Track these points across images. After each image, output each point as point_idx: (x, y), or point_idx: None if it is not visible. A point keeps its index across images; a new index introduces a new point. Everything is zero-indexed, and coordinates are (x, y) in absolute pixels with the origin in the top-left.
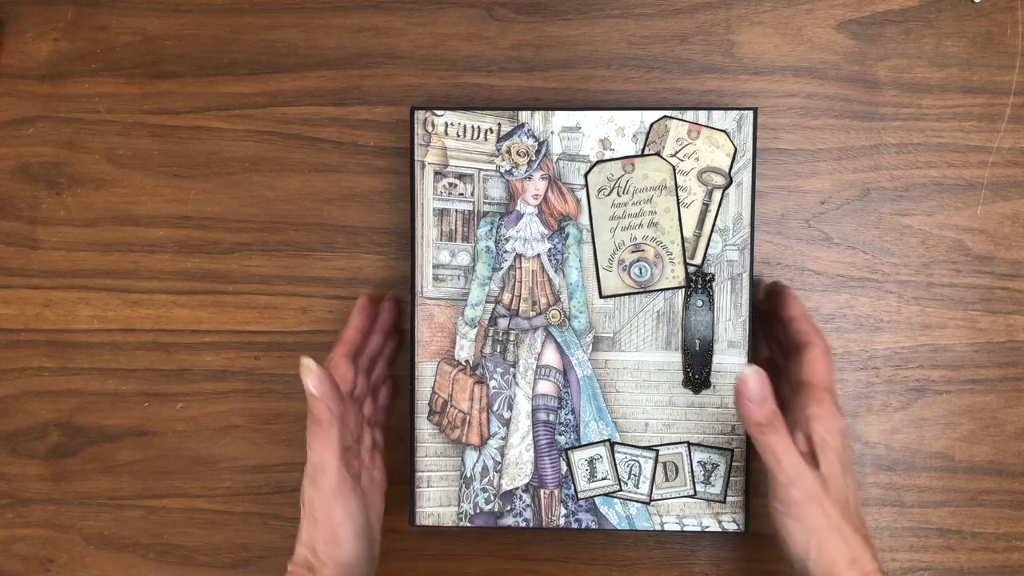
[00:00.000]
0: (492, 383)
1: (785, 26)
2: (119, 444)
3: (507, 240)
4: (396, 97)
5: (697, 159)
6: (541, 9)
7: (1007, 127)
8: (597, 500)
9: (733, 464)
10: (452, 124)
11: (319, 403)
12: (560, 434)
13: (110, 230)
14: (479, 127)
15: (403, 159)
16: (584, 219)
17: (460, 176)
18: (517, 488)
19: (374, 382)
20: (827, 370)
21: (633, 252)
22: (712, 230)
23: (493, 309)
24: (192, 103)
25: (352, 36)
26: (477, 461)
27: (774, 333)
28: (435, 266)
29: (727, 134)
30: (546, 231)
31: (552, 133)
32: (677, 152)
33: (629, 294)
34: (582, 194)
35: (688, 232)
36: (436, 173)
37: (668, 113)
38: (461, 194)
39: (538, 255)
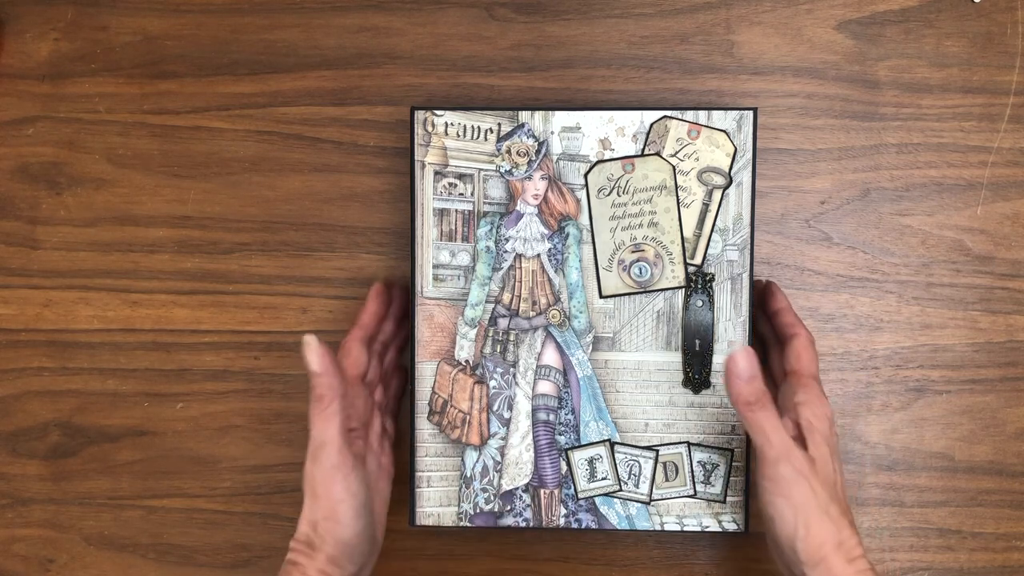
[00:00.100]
0: (492, 383)
1: (785, 26)
2: (119, 444)
3: (507, 240)
4: (396, 97)
5: (697, 159)
6: (541, 9)
7: (1007, 127)
8: (597, 500)
9: (733, 464)
10: (452, 124)
11: (320, 379)
12: (560, 434)
13: (110, 230)
14: (479, 127)
15: (403, 159)
16: (584, 219)
17: (460, 176)
18: (517, 488)
19: (386, 368)
20: (812, 359)
21: (633, 252)
22: (712, 230)
23: (493, 309)
24: (192, 103)
25: (352, 36)
26: (477, 461)
27: (758, 329)
28: (435, 266)
29: (727, 134)
30: (546, 231)
31: (552, 133)
32: (677, 152)
33: (629, 294)
34: (582, 194)
35: (688, 232)
36: (436, 173)
37: (668, 113)
38: (461, 194)
39: (538, 255)
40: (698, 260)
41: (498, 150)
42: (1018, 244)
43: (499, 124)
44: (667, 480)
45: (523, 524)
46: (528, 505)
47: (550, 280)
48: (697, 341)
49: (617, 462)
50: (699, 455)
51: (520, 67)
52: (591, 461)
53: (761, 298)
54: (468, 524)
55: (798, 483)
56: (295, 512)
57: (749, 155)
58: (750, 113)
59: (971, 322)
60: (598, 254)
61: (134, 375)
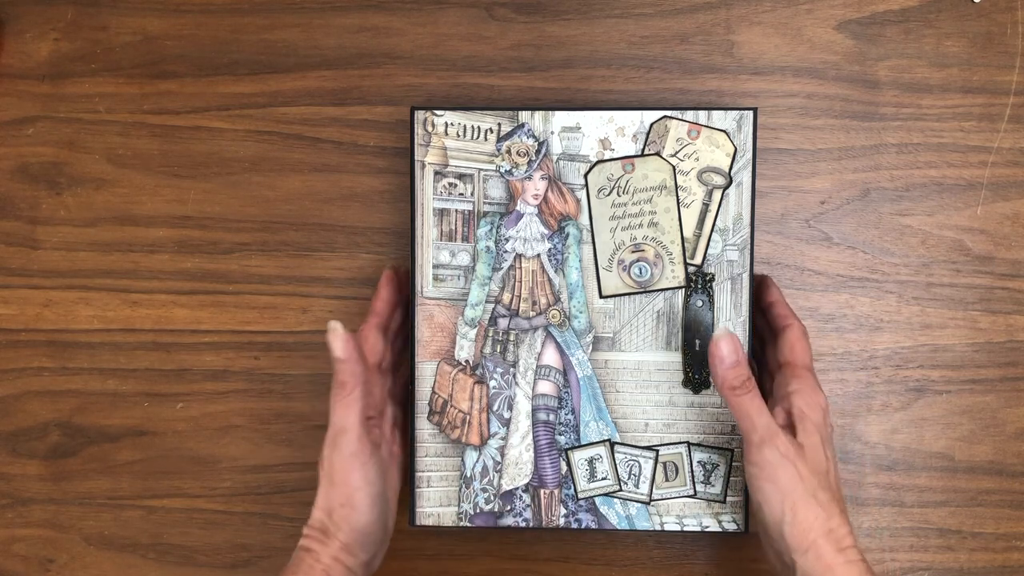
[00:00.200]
0: (492, 383)
1: (785, 26)
2: (119, 444)
3: (507, 240)
4: (396, 97)
5: (697, 159)
6: (541, 9)
7: (1007, 127)
8: (597, 500)
9: (733, 464)
10: (452, 124)
11: (344, 366)
12: (560, 434)
13: (110, 230)
14: (479, 127)
15: (403, 159)
16: (584, 219)
17: (460, 176)
18: (517, 488)
19: (396, 356)
20: (805, 350)
21: (633, 252)
22: (712, 230)
23: (493, 309)
24: (192, 103)
25: (352, 36)
26: (477, 461)
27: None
28: (435, 266)
29: (727, 134)
30: (546, 231)
31: (552, 133)
32: (677, 152)
33: (629, 294)
34: (582, 194)
35: (688, 232)
36: (436, 173)
37: (668, 113)
38: (461, 194)
39: (538, 255)
40: (698, 260)
41: (498, 150)
42: (1018, 244)
43: (499, 124)
44: (667, 480)
45: (523, 524)
46: (528, 505)
47: (550, 280)
48: (697, 341)
49: (617, 462)
50: (699, 455)
51: (520, 67)
52: (591, 461)
53: (755, 291)
54: (468, 524)
55: (784, 467)
56: (295, 512)
57: (749, 155)
58: (750, 113)
59: (971, 322)
60: (598, 254)
61: (134, 375)
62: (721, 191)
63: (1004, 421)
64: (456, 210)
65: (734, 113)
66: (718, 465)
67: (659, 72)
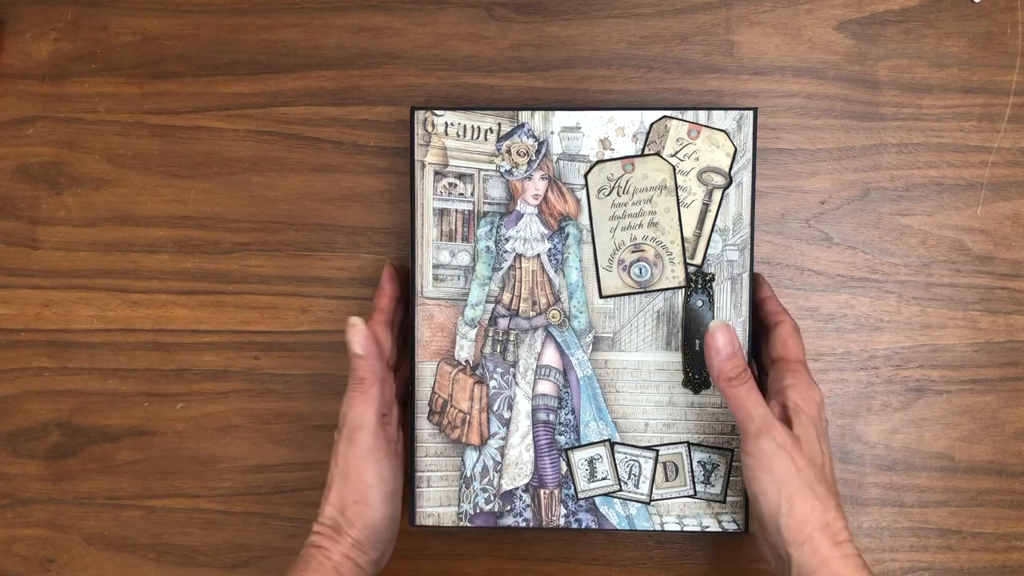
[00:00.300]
0: (492, 383)
1: (785, 26)
2: (119, 444)
3: (507, 240)
4: (396, 97)
5: (697, 159)
6: (541, 9)
7: (1007, 127)
8: (597, 500)
9: (733, 464)
10: (452, 124)
11: (364, 363)
12: (560, 434)
13: (110, 230)
14: (479, 127)
15: (403, 159)
16: (584, 219)
17: (460, 176)
18: (517, 488)
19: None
20: (798, 345)
21: (633, 252)
22: (712, 230)
23: (493, 309)
24: (192, 103)
25: (352, 36)
26: (477, 461)
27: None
28: (435, 266)
29: (727, 134)
30: (546, 231)
31: (552, 133)
32: (677, 152)
33: (629, 294)
34: (582, 194)
35: (688, 232)
36: (436, 173)
37: (668, 113)
38: (461, 194)
39: (538, 255)
40: (698, 260)
41: (498, 150)
42: (1018, 244)
43: (499, 124)
44: (667, 480)
45: (523, 524)
46: (528, 505)
47: (550, 280)
48: (697, 341)
49: (617, 462)
50: (699, 455)
51: (520, 67)
52: (591, 461)
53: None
54: (468, 524)
55: (780, 457)
56: (295, 512)
57: (749, 155)
58: (750, 113)
59: (971, 322)
60: (598, 254)
61: (134, 375)
62: (721, 191)
63: (1004, 421)
64: (456, 210)
65: (734, 113)
66: (718, 465)
67: (659, 72)
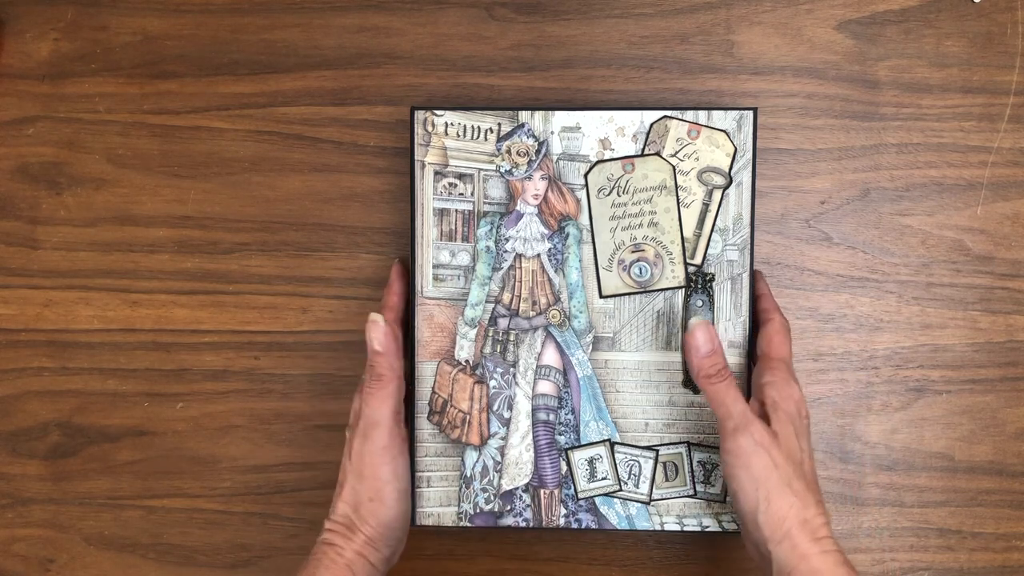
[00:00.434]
0: (492, 383)
1: (785, 26)
2: (119, 444)
3: (507, 240)
4: (396, 97)
5: (697, 159)
6: (541, 9)
7: (1007, 127)
8: (597, 500)
9: None
10: (452, 124)
11: (383, 359)
12: (560, 434)
13: (110, 230)
14: (479, 127)
15: (403, 159)
16: (584, 219)
17: (460, 176)
18: (517, 488)
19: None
20: (783, 343)
21: (633, 252)
22: (712, 230)
23: (493, 309)
24: (192, 103)
25: (352, 36)
26: (477, 461)
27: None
28: (435, 266)
29: (727, 134)
30: (546, 231)
31: (552, 133)
32: (677, 152)
33: (629, 294)
34: (582, 194)
35: (688, 232)
36: (436, 173)
37: (668, 113)
38: (461, 194)
39: (538, 255)
40: (698, 260)
41: (498, 150)
42: (1018, 244)
43: (499, 124)
44: (667, 480)
45: (523, 524)
46: (528, 505)
47: (550, 280)
48: None
49: (617, 462)
50: (699, 455)
51: (520, 67)
52: (591, 461)
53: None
54: (468, 524)
55: (758, 454)
56: (295, 512)
57: (749, 155)
58: (750, 113)
59: (971, 322)
60: (598, 254)
61: (134, 375)
62: (721, 191)
63: (1004, 421)
64: (456, 210)
65: (734, 113)
66: (718, 465)
67: (659, 72)
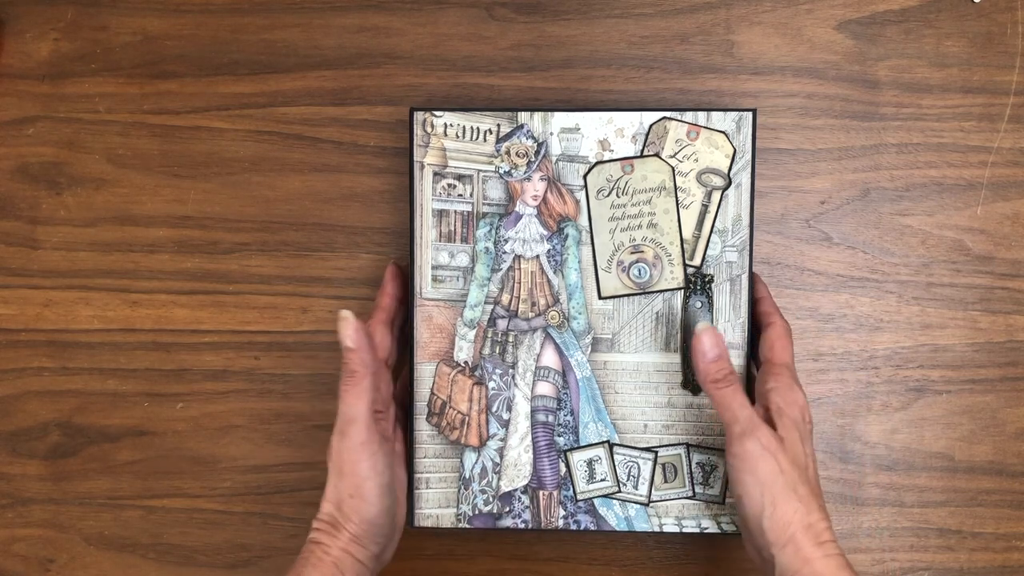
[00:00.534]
0: (491, 384)
1: (785, 26)
2: (119, 444)
3: (506, 241)
4: (396, 97)
5: (696, 160)
6: (541, 9)
7: (1007, 127)
8: (596, 502)
9: None
10: (451, 125)
11: (354, 355)
12: (559, 435)
13: (110, 230)
14: (478, 128)
15: (403, 159)
16: (583, 220)
17: (459, 177)
18: (516, 490)
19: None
20: (785, 348)
21: (632, 253)
22: (711, 231)
23: (492, 310)
24: (192, 103)
25: (352, 36)
26: (476, 462)
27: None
28: (434, 267)
29: (726, 135)
30: (545, 232)
31: (551, 134)
32: (676, 153)
33: (628, 295)
34: (581, 195)
35: (687, 233)
36: (435, 174)
37: (667, 114)
38: (460, 195)
39: (537, 256)
40: (697, 261)
41: (497, 151)
42: (1018, 244)
43: (498, 125)
44: (666, 482)
45: (522, 526)
46: (527, 507)
47: (549, 281)
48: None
49: (616, 463)
50: (698, 456)
51: (520, 67)
52: (590, 463)
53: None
54: (467, 526)
55: (764, 459)
56: (295, 512)
57: (748, 156)
58: (749, 114)
59: (971, 322)
60: (597, 255)
61: (134, 375)
62: (720, 192)
63: (1004, 421)
64: (455, 211)
65: (733, 114)
66: (716, 466)
67: (659, 72)
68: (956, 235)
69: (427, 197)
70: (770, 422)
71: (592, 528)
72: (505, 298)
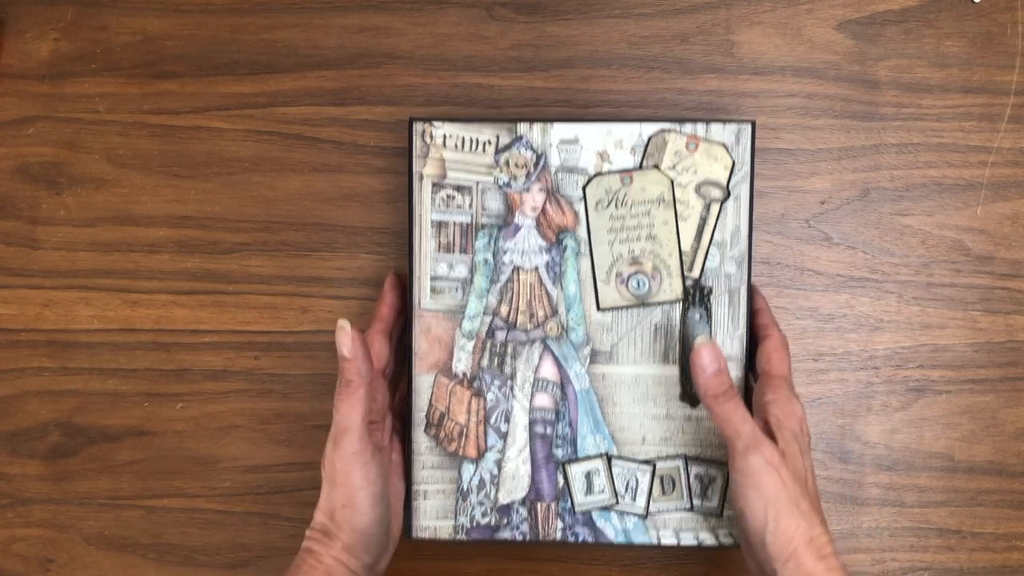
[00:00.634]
0: (489, 396)
1: (785, 26)
2: (119, 444)
3: (505, 252)
4: (396, 97)
5: (695, 172)
6: (541, 9)
7: (1007, 127)
8: (594, 514)
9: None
10: (450, 136)
11: (350, 364)
12: (557, 447)
13: (110, 230)
14: (477, 139)
15: (403, 159)
16: (582, 232)
17: (458, 188)
18: (514, 501)
19: (396, 367)
20: (783, 360)
21: (631, 265)
22: (710, 243)
23: (491, 321)
24: (192, 103)
25: (352, 36)
26: (474, 474)
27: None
28: (433, 278)
29: (725, 147)
30: (544, 243)
31: (550, 146)
32: (675, 165)
33: (627, 307)
34: (580, 207)
35: (686, 245)
36: (434, 185)
37: (666, 126)
38: (459, 206)
39: (536, 267)
40: (696, 273)
41: (496, 162)
42: (1018, 244)
43: (497, 136)
44: (664, 494)
45: (520, 538)
46: (525, 519)
47: (548, 293)
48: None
49: (614, 475)
50: (696, 468)
51: (520, 67)
52: (588, 475)
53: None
54: (464, 538)
55: (768, 474)
56: (295, 512)
57: (747, 168)
58: (748, 126)
59: (971, 322)
60: (596, 267)
61: (134, 375)
62: (719, 204)
63: (1004, 421)
64: (454, 222)
65: (732, 126)
66: (715, 479)
67: (659, 72)
68: (956, 235)
69: (426, 208)
70: (769, 434)
71: (590, 540)
72: (504, 309)
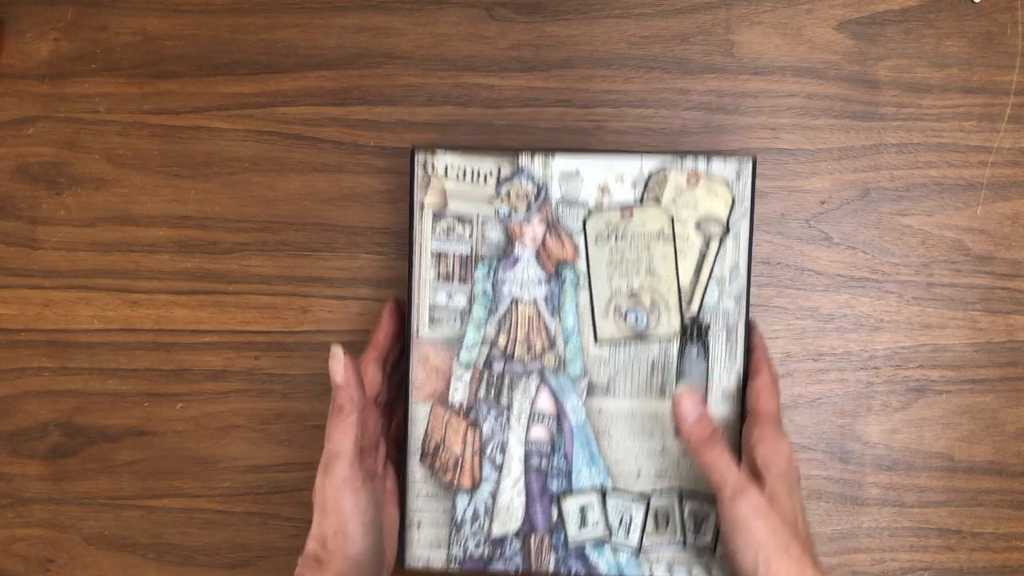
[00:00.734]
0: (485, 426)
1: (785, 26)
2: (119, 444)
3: (504, 283)
4: (396, 97)
5: (695, 208)
6: (541, 9)
7: (1007, 127)
8: (587, 547)
9: None
10: (451, 166)
11: (343, 391)
12: (552, 480)
13: (110, 230)
14: (478, 170)
15: (403, 159)
16: (581, 264)
17: (459, 218)
18: (508, 533)
19: (392, 395)
20: (771, 398)
21: (629, 298)
22: (709, 279)
23: (488, 352)
24: (192, 103)
25: (352, 36)
26: (468, 505)
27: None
28: (432, 307)
29: (726, 183)
30: (543, 275)
31: (551, 178)
32: (675, 200)
33: (624, 340)
34: (580, 240)
35: (685, 281)
36: (434, 215)
37: (668, 161)
38: (459, 236)
39: (535, 299)
40: (694, 308)
41: (497, 193)
42: (1018, 244)
43: (499, 167)
44: (657, 529)
45: (513, 570)
46: (518, 551)
47: (546, 325)
48: None
49: (608, 510)
50: (690, 504)
51: (520, 67)
52: (583, 508)
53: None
54: (458, 568)
55: (757, 520)
56: (295, 512)
57: (747, 204)
58: (749, 162)
59: (971, 322)
60: (594, 300)
61: (134, 375)
62: (719, 240)
63: (1004, 421)
64: (454, 252)
65: (733, 162)
66: (709, 515)
67: (659, 72)
68: (956, 235)
69: (426, 238)
70: (757, 474)
71: (583, 574)
72: (502, 340)
